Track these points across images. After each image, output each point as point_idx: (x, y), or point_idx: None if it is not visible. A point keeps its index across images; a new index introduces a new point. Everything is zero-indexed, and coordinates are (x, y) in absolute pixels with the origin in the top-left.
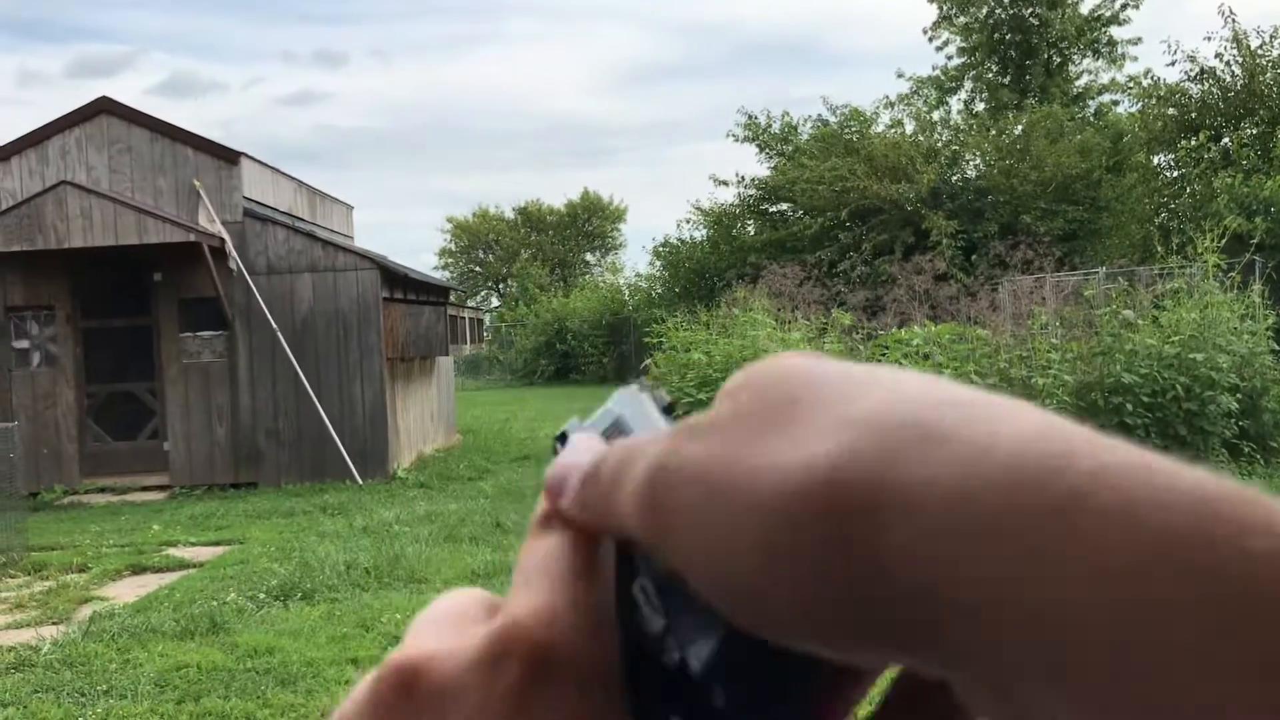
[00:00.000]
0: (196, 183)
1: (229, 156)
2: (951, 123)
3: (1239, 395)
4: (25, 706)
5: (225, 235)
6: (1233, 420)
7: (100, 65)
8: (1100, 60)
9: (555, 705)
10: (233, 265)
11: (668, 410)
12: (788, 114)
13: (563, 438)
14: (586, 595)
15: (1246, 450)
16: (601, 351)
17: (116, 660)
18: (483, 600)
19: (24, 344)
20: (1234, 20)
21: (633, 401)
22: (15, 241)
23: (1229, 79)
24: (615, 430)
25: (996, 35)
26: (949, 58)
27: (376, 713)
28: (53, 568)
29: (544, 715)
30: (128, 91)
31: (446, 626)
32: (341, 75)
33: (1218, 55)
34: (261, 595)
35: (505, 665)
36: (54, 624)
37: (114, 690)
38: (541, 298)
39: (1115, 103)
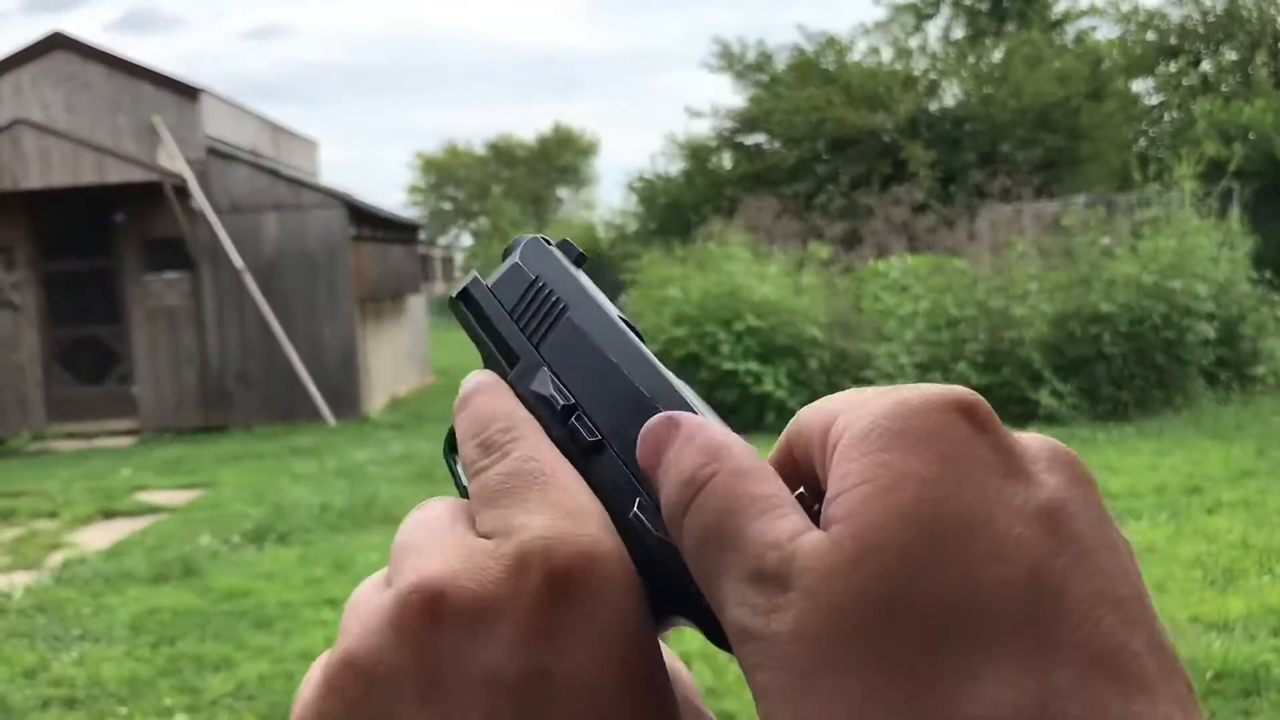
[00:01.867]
0: (156, 120)
1: (189, 93)
2: (929, 50)
3: (1217, 323)
4: None
5: (188, 173)
6: (1210, 348)
7: (57, 1)
8: None
9: (589, 612)
10: (196, 205)
11: (578, 262)
12: (763, 42)
13: (465, 297)
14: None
15: (1223, 378)
16: None
17: (90, 605)
18: (454, 507)
19: None
20: None
21: (543, 257)
22: None
23: (1209, 2)
24: (535, 288)
25: None
26: None
27: (402, 639)
28: (22, 514)
29: (579, 623)
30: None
31: (441, 541)
32: (306, 8)
33: None
34: (235, 538)
35: (532, 576)
36: (26, 570)
37: (88, 635)
38: (514, 234)
39: (1094, 28)
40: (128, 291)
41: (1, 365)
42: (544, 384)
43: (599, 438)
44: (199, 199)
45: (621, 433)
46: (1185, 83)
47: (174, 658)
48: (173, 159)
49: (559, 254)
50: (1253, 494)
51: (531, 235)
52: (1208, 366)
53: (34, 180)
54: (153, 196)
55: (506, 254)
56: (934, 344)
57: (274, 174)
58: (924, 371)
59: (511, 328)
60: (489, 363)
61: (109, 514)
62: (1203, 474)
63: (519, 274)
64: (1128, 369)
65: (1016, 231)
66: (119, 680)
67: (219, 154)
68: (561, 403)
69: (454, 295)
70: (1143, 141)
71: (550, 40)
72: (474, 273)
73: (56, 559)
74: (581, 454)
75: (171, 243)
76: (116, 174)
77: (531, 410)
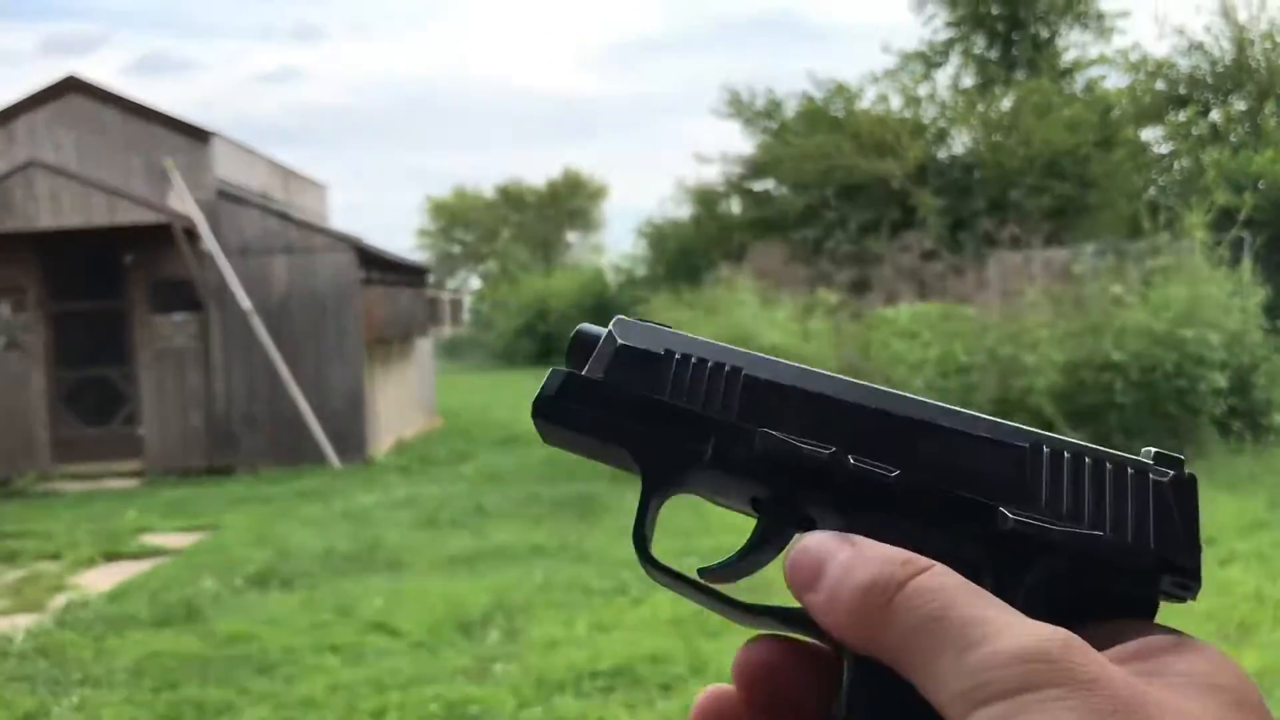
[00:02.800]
0: (168, 162)
1: (200, 136)
2: (938, 98)
3: (1229, 372)
4: None
5: (198, 216)
6: (1222, 398)
7: (74, 43)
8: (1088, 33)
9: None
10: (206, 246)
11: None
12: (772, 90)
13: (566, 394)
14: None
15: (1236, 428)
16: None
17: (91, 649)
18: None
19: None
20: None
21: (648, 330)
22: None
23: (1218, 52)
24: (675, 360)
25: (983, 8)
26: (935, 31)
27: None
28: (26, 556)
29: None
30: (101, 70)
31: None
32: (319, 52)
33: (1206, 29)
34: (239, 582)
35: None
36: (27, 613)
37: (89, 679)
38: (523, 278)
39: (1103, 77)
40: (136, 332)
41: (8, 405)
42: (777, 443)
43: (895, 471)
44: (208, 241)
45: (899, 455)
46: (1195, 132)
47: (175, 703)
48: (183, 201)
49: (655, 324)
50: (1266, 546)
51: (615, 318)
52: (1220, 416)
53: (45, 221)
54: (162, 238)
55: (581, 345)
56: (943, 391)
57: (284, 217)
58: None
59: (671, 406)
60: (633, 457)
61: (112, 556)
62: (1215, 525)
63: (636, 355)
64: (1139, 418)
65: (1026, 279)
66: None
67: (229, 196)
68: (826, 453)
69: (547, 395)
70: (1152, 190)
71: (560, 86)
72: (554, 370)
73: (59, 601)
74: (881, 491)
75: (180, 284)
76: (127, 215)
77: (783, 467)
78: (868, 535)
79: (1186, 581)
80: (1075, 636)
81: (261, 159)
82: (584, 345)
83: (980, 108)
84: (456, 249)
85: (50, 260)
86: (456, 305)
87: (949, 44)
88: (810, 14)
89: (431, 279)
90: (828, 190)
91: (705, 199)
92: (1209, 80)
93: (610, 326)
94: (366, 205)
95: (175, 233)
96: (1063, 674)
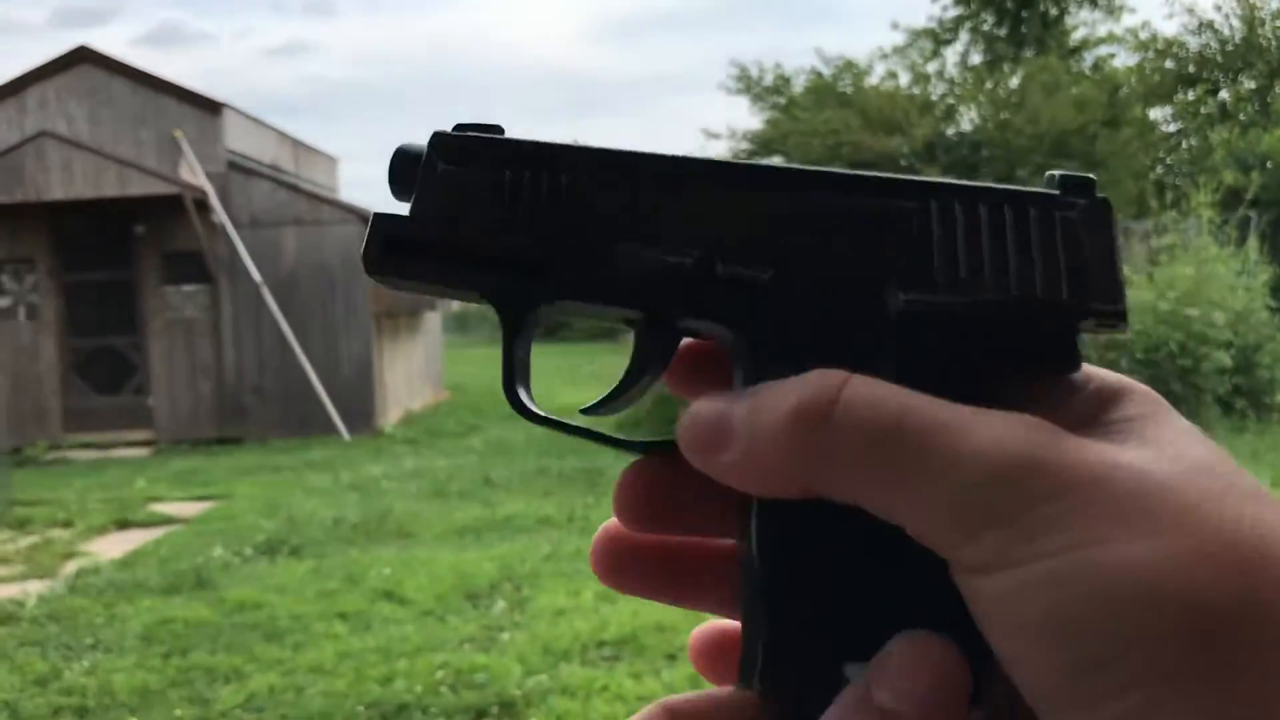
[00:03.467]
0: (178, 133)
1: (211, 107)
2: (947, 75)
3: (1233, 351)
4: (12, 660)
5: (208, 187)
6: (1227, 377)
7: (86, 15)
8: (1098, 12)
9: None
10: (216, 218)
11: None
12: (780, 66)
13: (392, 242)
14: None
15: (1239, 407)
16: None
17: (102, 615)
18: None
19: (5, 299)
20: None
21: (469, 142)
22: None
23: (1227, 31)
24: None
25: None
26: (945, 9)
27: None
28: (37, 523)
29: None
30: (113, 42)
31: None
32: (330, 25)
33: (1216, 7)
34: (248, 551)
35: None
36: (39, 579)
37: (100, 644)
38: None
39: (1112, 55)
40: (146, 303)
41: (20, 374)
42: (632, 262)
43: (770, 272)
44: (219, 213)
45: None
46: (1203, 111)
47: (185, 669)
48: (194, 173)
49: (487, 134)
50: None
51: (433, 131)
52: (1224, 395)
53: (57, 191)
54: (173, 209)
55: (403, 170)
56: None
57: (294, 189)
58: None
59: (509, 240)
60: (486, 297)
61: (123, 524)
62: None
63: (462, 178)
64: None
65: None
66: (130, 690)
67: (239, 168)
68: (689, 261)
69: (371, 251)
70: (1160, 169)
71: (569, 60)
72: (376, 215)
73: (70, 568)
74: (757, 294)
75: (191, 255)
76: (138, 186)
77: (646, 285)
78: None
79: (1110, 322)
80: (1042, 423)
81: (272, 131)
82: (406, 170)
83: (988, 85)
84: None
85: (61, 231)
86: None
87: (958, 21)
88: None
89: None
90: (836, 167)
91: None
92: (1218, 59)
93: (429, 144)
94: (376, 178)
95: (186, 204)
96: (1056, 482)
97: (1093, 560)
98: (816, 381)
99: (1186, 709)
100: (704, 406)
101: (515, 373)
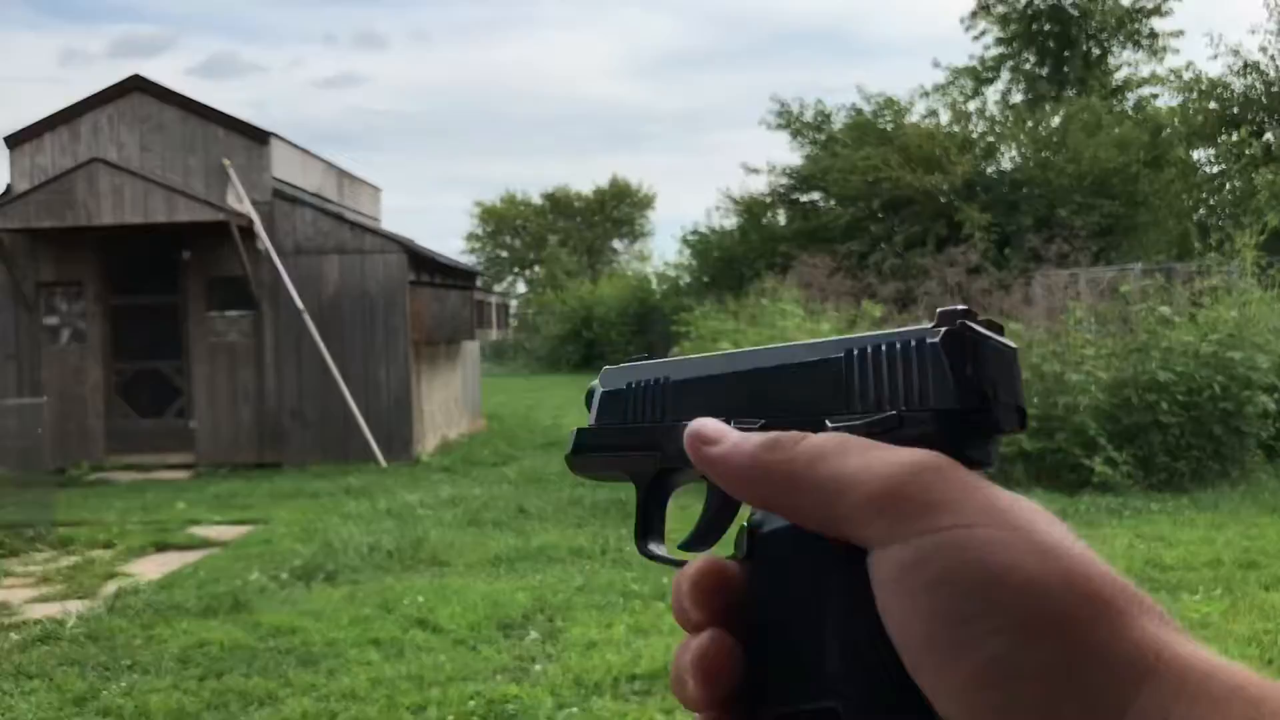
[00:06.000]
0: (226, 162)
1: (259, 136)
2: (987, 114)
3: (1277, 396)
4: (51, 679)
5: (254, 215)
6: (1270, 421)
7: (142, 45)
8: (1141, 52)
9: None
10: (261, 245)
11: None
12: (821, 102)
13: (578, 445)
14: None
15: None
16: (628, 340)
17: (140, 636)
18: None
19: (53, 320)
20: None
21: (621, 371)
22: (46, 218)
23: (1273, 73)
24: (632, 393)
25: (1035, 25)
26: (986, 48)
27: None
28: (79, 543)
29: None
30: (167, 72)
31: None
32: (379, 58)
33: (1262, 49)
34: (284, 575)
35: None
36: (80, 599)
37: (138, 665)
38: (569, 284)
39: (1155, 96)
40: (190, 328)
41: (66, 395)
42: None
43: (760, 421)
44: (264, 240)
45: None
46: (1247, 153)
47: (220, 691)
48: (240, 200)
49: (633, 362)
50: None
51: (603, 369)
52: (1266, 439)
53: (107, 217)
54: (219, 236)
55: (589, 398)
56: None
57: (337, 218)
58: None
59: (632, 431)
60: (631, 476)
61: (162, 546)
62: (1259, 549)
63: (612, 399)
64: (1184, 439)
65: (1072, 297)
66: (165, 712)
67: (285, 197)
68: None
69: (570, 450)
70: (1203, 210)
71: (611, 95)
72: (576, 429)
73: (110, 589)
74: None
75: (235, 281)
76: (185, 213)
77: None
78: None
79: (980, 419)
80: (944, 456)
81: (317, 161)
82: (589, 397)
83: (1029, 124)
84: (504, 254)
85: (110, 255)
86: (503, 309)
87: (999, 60)
88: (860, 30)
89: (480, 282)
90: (874, 203)
91: (751, 209)
92: (1263, 101)
93: (598, 379)
94: (418, 208)
95: (232, 231)
96: (948, 482)
97: (970, 537)
98: (794, 432)
99: (1032, 656)
100: (712, 422)
101: (651, 525)
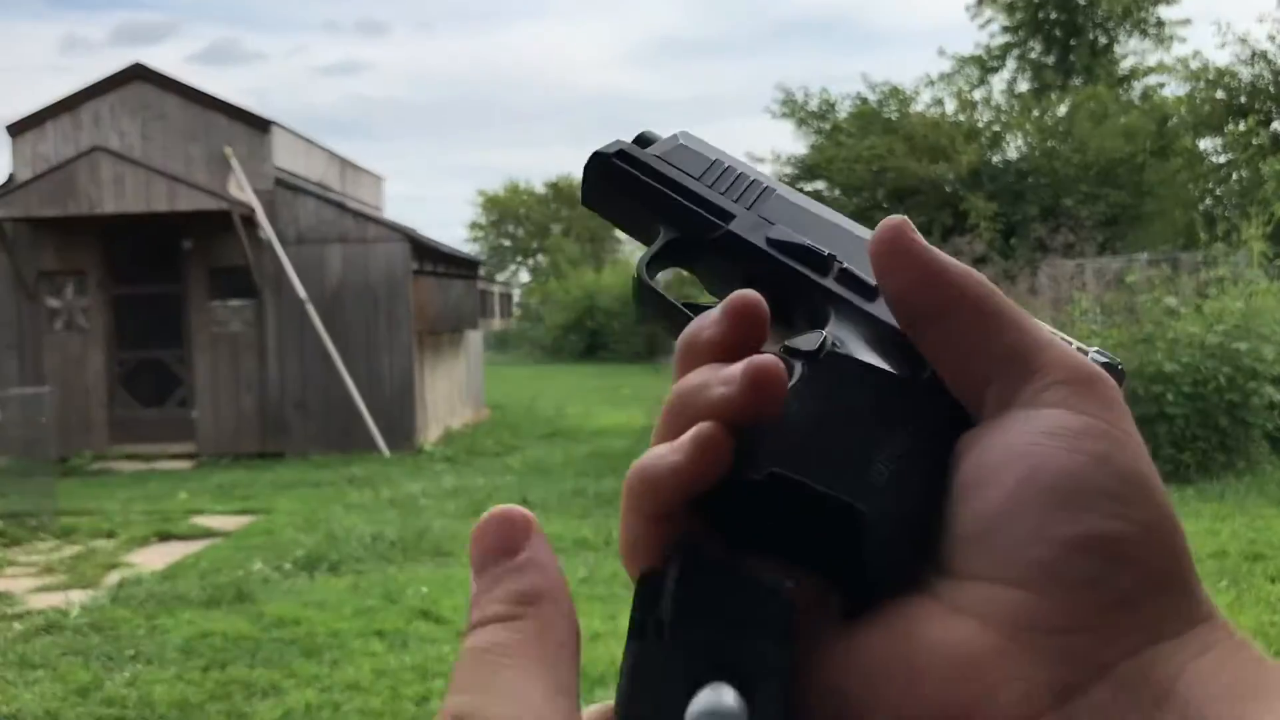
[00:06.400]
0: (228, 150)
1: (260, 125)
2: (993, 103)
3: None
4: (55, 669)
5: (256, 204)
6: (1276, 412)
7: (144, 33)
8: (1147, 41)
9: None
10: (263, 234)
11: None
12: (826, 91)
13: (623, 157)
14: None
15: None
16: (631, 330)
17: (144, 626)
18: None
19: (55, 309)
20: None
21: (706, 145)
22: (48, 206)
23: None
24: (722, 166)
25: (1041, 14)
26: (992, 36)
27: None
28: (81, 533)
29: None
30: (169, 59)
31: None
32: (382, 45)
33: (1270, 37)
34: (287, 565)
35: None
36: (83, 588)
37: (141, 655)
38: (572, 273)
39: (1162, 85)
40: (192, 317)
41: (68, 385)
42: (789, 235)
43: (861, 279)
44: (266, 229)
45: None
46: (1254, 142)
47: (224, 682)
48: (242, 189)
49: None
50: None
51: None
52: (1272, 430)
53: (108, 206)
54: (221, 225)
55: (642, 140)
56: None
57: (340, 207)
58: None
59: (710, 191)
60: (663, 221)
61: (165, 536)
62: (1265, 541)
63: (690, 152)
64: (1189, 430)
65: (1078, 287)
66: (169, 702)
67: (287, 186)
68: (827, 251)
69: (606, 152)
70: (1209, 200)
71: (614, 84)
72: (618, 139)
73: (113, 579)
74: (864, 298)
75: (237, 271)
76: (187, 202)
77: (786, 255)
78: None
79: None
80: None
81: (319, 149)
82: (645, 140)
83: (1035, 113)
84: (507, 243)
85: (112, 244)
86: (506, 299)
87: (1005, 49)
88: (865, 18)
89: (482, 271)
90: (879, 193)
91: None
92: (1271, 90)
93: (677, 131)
94: (421, 197)
95: (234, 220)
96: (1116, 398)
97: (1132, 439)
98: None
99: (1137, 548)
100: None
101: (654, 268)
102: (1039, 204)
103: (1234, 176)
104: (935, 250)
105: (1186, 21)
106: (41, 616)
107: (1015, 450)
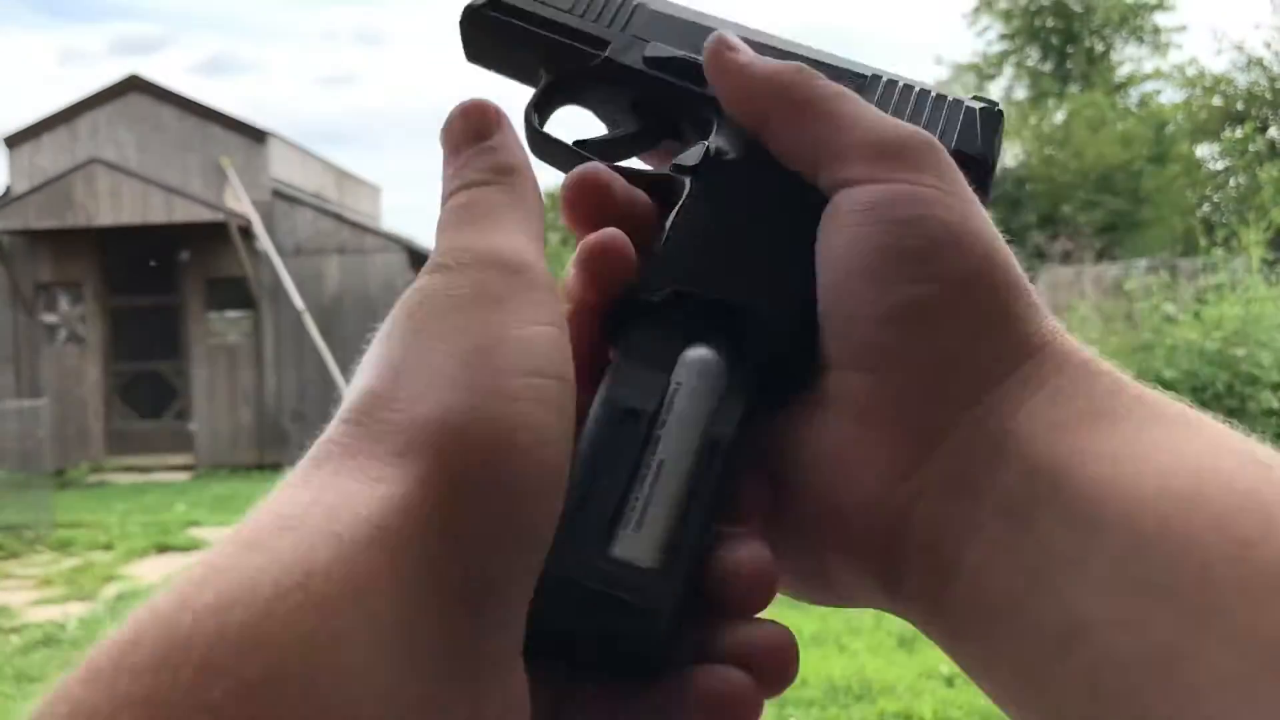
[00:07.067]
0: (224, 161)
1: (257, 135)
2: None
3: None
4: (52, 683)
5: (253, 214)
6: (1275, 419)
7: (142, 44)
8: (1144, 48)
9: None
10: (260, 245)
11: None
12: None
13: (494, 4)
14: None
15: None
16: None
17: None
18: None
19: (52, 321)
20: None
21: None
22: (45, 218)
23: (1277, 69)
24: None
25: (1038, 22)
26: (989, 44)
27: None
28: (79, 545)
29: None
30: (167, 70)
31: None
32: (379, 54)
33: (1266, 44)
34: None
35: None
36: (80, 601)
37: None
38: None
39: (1158, 92)
40: (190, 328)
41: (65, 396)
42: (665, 50)
43: None
44: (263, 240)
45: None
46: (1251, 148)
47: None
48: (239, 200)
49: None
50: None
51: None
52: (1272, 438)
53: (105, 217)
54: (218, 236)
55: None
56: None
57: (337, 217)
58: None
59: (581, 20)
60: (541, 63)
61: (163, 548)
62: None
63: None
64: None
65: (1077, 295)
66: None
67: (284, 196)
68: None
69: (475, 4)
70: (1207, 206)
71: None
72: None
73: (110, 591)
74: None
75: (234, 282)
76: (184, 213)
77: (663, 71)
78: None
79: (978, 174)
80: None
81: (316, 159)
82: None
83: (1033, 120)
84: None
85: (108, 256)
86: None
87: (1002, 56)
88: (861, 26)
89: None
90: None
91: None
92: (1267, 96)
93: None
94: (418, 206)
95: (231, 231)
96: (943, 160)
97: (938, 197)
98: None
99: (948, 308)
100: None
101: (543, 114)
102: (1037, 211)
103: (1231, 182)
104: (750, 59)
105: (1183, 28)
106: (39, 630)
107: (835, 236)
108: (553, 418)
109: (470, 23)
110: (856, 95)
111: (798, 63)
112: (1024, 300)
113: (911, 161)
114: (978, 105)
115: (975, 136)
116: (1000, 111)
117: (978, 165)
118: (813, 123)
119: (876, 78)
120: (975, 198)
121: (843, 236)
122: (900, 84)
